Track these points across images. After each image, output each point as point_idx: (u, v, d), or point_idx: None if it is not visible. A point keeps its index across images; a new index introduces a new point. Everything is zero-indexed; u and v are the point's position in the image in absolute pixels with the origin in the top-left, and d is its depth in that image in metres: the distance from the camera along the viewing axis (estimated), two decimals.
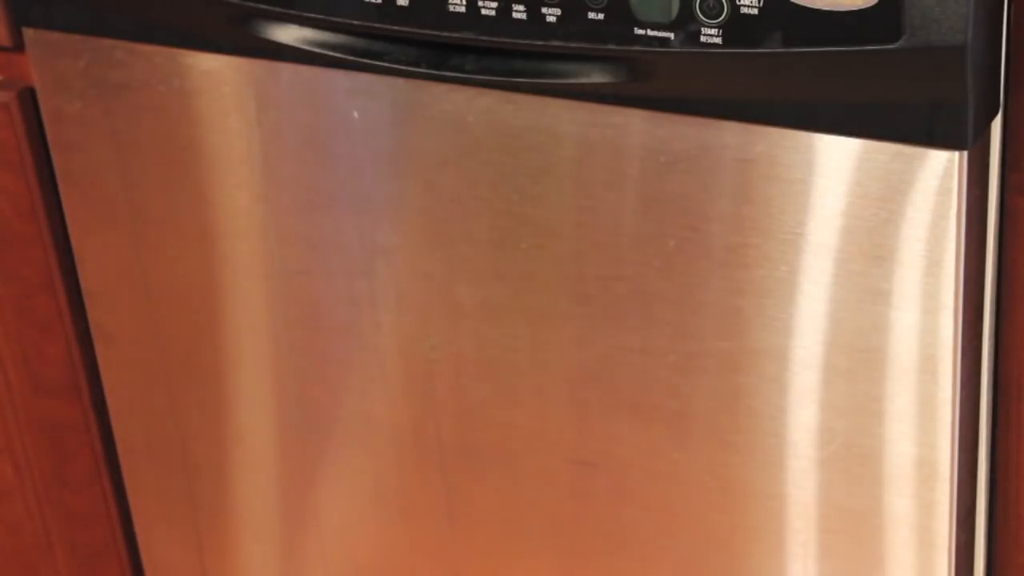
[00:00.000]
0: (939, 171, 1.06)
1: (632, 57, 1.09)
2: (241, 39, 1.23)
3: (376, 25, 1.16)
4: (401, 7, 1.14)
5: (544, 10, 1.09)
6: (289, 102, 1.27)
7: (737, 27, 1.04)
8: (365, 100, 1.23)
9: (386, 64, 1.18)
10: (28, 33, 1.35)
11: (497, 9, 1.11)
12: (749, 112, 1.10)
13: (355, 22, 1.16)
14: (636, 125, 1.15)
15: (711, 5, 1.04)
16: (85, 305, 1.48)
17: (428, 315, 1.30)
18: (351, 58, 1.19)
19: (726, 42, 1.05)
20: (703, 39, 1.05)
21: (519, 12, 1.10)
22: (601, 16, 1.08)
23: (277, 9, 1.18)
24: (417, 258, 1.28)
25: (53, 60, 1.34)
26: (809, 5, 1.02)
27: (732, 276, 1.16)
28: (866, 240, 1.11)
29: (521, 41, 1.11)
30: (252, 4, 1.19)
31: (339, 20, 1.17)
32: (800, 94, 1.08)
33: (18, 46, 1.36)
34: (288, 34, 1.21)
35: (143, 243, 1.40)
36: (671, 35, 1.06)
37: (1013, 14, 1.05)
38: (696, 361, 1.21)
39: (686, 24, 1.06)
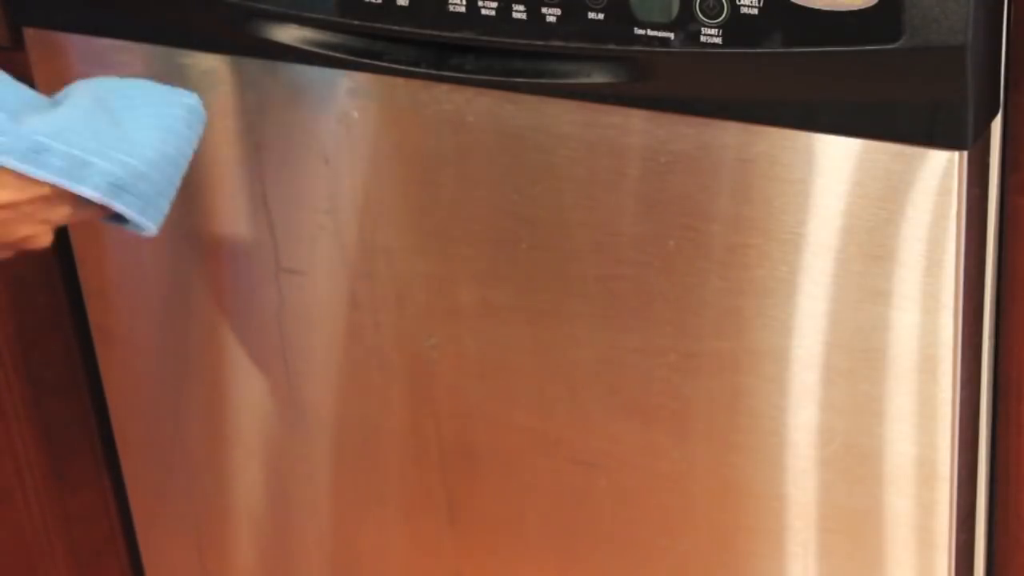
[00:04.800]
0: (939, 171, 1.06)
1: (632, 57, 1.09)
2: (241, 39, 1.23)
3: (376, 25, 1.16)
4: (401, 7, 1.14)
5: (544, 10, 1.09)
6: (289, 102, 1.27)
7: (737, 27, 1.04)
8: (365, 100, 1.23)
9: (386, 64, 1.18)
10: (28, 33, 1.35)
11: (497, 9, 1.11)
12: (749, 112, 1.10)
13: (355, 22, 1.16)
14: (636, 125, 1.15)
15: (711, 5, 1.04)
16: (85, 305, 1.48)
17: (428, 315, 1.30)
18: (351, 58, 1.19)
19: (726, 42, 1.05)
20: (703, 39, 1.05)
21: (519, 12, 1.10)
22: (601, 16, 1.08)
23: (277, 9, 1.18)
24: (417, 258, 1.28)
25: (53, 60, 1.34)
26: (809, 5, 1.02)
27: (732, 276, 1.16)
28: (866, 240, 1.11)
29: (521, 41, 1.11)
30: (252, 4, 1.19)
31: (339, 20, 1.17)
32: (800, 94, 1.08)
33: (18, 46, 1.36)
34: (288, 34, 1.21)
35: (143, 243, 1.40)
36: (671, 35, 1.06)
37: (1013, 14, 1.05)
38: (696, 361, 1.21)
39: (686, 24, 1.06)
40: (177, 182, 1.11)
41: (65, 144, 1.03)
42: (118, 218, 1.10)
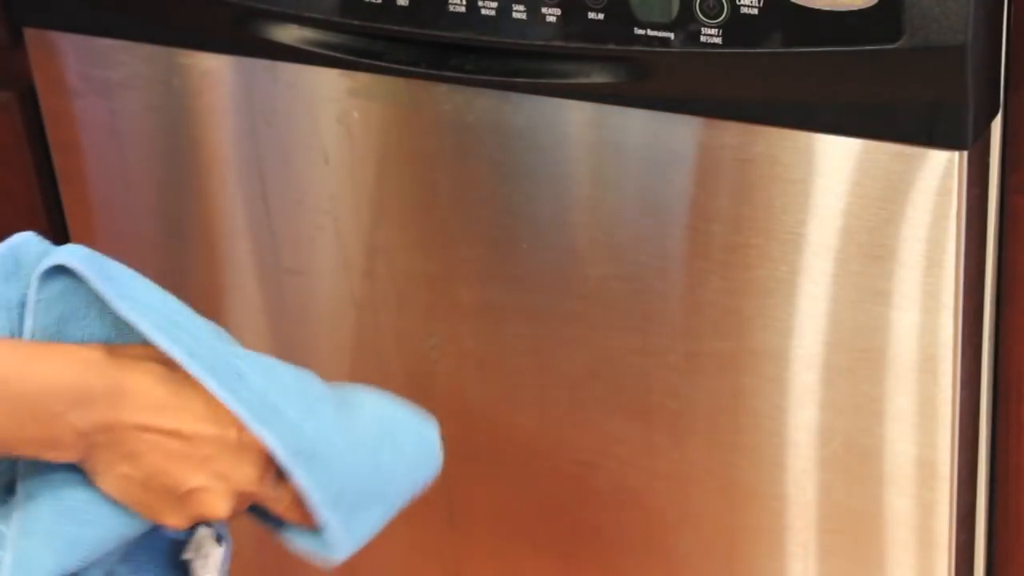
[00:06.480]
0: (939, 171, 1.06)
1: (632, 57, 1.09)
2: (241, 39, 1.23)
3: (376, 25, 1.16)
4: (401, 7, 1.14)
5: (544, 10, 1.09)
6: (289, 102, 1.27)
7: (737, 27, 1.04)
8: (365, 100, 1.23)
9: (386, 64, 1.18)
10: (28, 33, 1.35)
11: (497, 9, 1.11)
12: (749, 112, 1.10)
13: (355, 22, 1.16)
14: (636, 125, 1.15)
15: (711, 5, 1.04)
16: None
17: (428, 315, 1.30)
18: (351, 58, 1.19)
19: (726, 42, 1.05)
20: (703, 39, 1.05)
21: (519, 12, 1.10)
22: (601, 16, 1.08)
23: (277, 9, 1.18)
24: (417, 258, 1.28)
25: (53, 60, 1.34)
26: (809, 5, 1.02)
27: (732, 276, 1.16)
28: (866, 240, 1.11)
29: (521, 41, 1.11)
30: (252, 4, 1.19)
31: (339, 20, 1.17)
32: (800, 94, 1.08)
33: (18, 46, 1.36)
34: (288, 34, 1.21)
35: (143, 243, 1.40)
36: (671, 35, 1.06)
37: (1013, 14, 1.05)
38: (696, 361, 1.21)
39: (686, 24, 1.06)
40: (383, 509, 0.88)
41: (264, 379, 0.83)
42: (301, 534, 0.89)
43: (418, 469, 0.90)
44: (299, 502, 0.85)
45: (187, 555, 0.91)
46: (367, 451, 0.86)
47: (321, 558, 0.87)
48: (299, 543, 0.88)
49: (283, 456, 0.82)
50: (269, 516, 0.88)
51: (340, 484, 0.84)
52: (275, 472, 0.84)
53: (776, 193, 1.12)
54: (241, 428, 0.82)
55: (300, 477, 0.83)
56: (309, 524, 0.86)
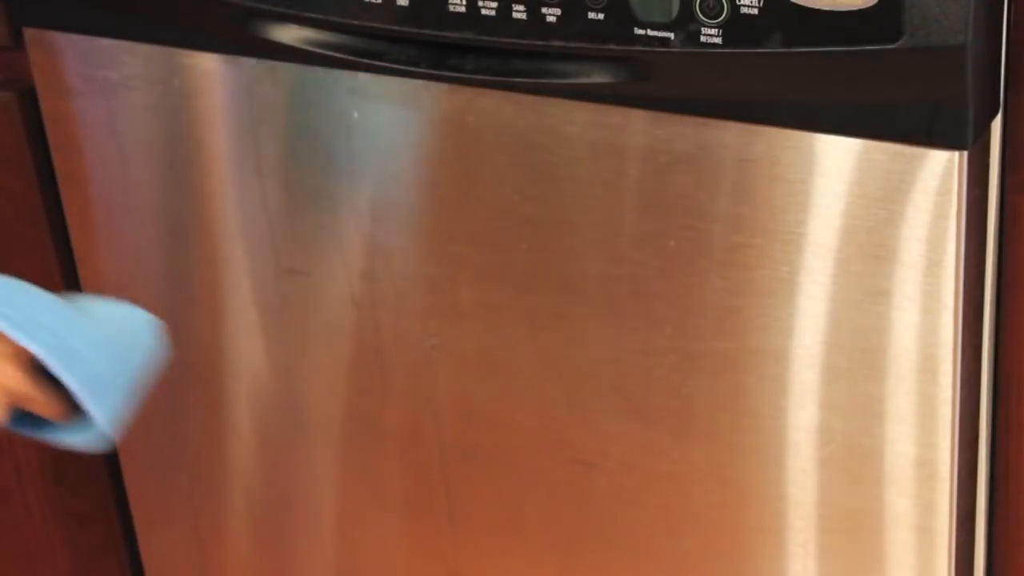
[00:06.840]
0: (939, 171, 1.06)
1: (632, 57, 1.09)
2: (241, 39, 1.23)
3: (376, 25, 1.16)
4: (401, 7, 1.14)
5: (544, 10, 1.09)
6: (289, 102, 1.27)
7: (737, 27, 1.04)
8: (365, 100, 1.23)
9: (386, 64, 1.18)
10: (28, 33, 1.35)
11: (497, 9, 1.11)
12: (749, 112, 1.10)
13: (355, 22, 1.16)
14: (636, 125, 1.15)
15: (711, 5, 1.04)
16: None
17: (428, 315, 1.30)
18: (351, 58, 1.19)
19: (726, 42, 1.05)
20: (703, 39, 1.05)
21: (519, 12, 1.10)
22: (601, 16, 1.08)
23: (277, 9, 1.18)
24: (417, 258, 1.28)
25: (53, 60, 1.34)
26: (809, 5, 1.02)
27: (732, 276, 1.16)
28: (866, 240, 1.11)
29: (521, 41, 1.11)
30: (252, 4, 1.19)
31: (339, 20, 1.17)
32: (800, 94, 1.08)
33: (18, 46, 1.36)
34: (288, 34, 1.21)
35: (143, 243, 1.40)
36: (671, 35, 1.06)
37: (1013, 14, 1.05)
38: (696, 361, 1.21)
39: (686, 24, 1.06)
40: (131, 396, 0.99)
41: (16, 296, 0.95)
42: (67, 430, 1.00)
43: (152, 356, 1.02)
44: (59, 401, 0.96)
45: None
46: (113, 345, 0.98)
47: (87, 447, 0.99)
48: (67, 439, 1.00)
49: (49, 359, 0.93)
50: (31, 423, 0.99)
51: (98, 377, 0.96)
52: (37, 376, 0.95)
53: (776, 193, 1.12)
54: (5, 339, 0.93)
55: (66, 375, 0.94)
56: (68, 420, 0.98)
